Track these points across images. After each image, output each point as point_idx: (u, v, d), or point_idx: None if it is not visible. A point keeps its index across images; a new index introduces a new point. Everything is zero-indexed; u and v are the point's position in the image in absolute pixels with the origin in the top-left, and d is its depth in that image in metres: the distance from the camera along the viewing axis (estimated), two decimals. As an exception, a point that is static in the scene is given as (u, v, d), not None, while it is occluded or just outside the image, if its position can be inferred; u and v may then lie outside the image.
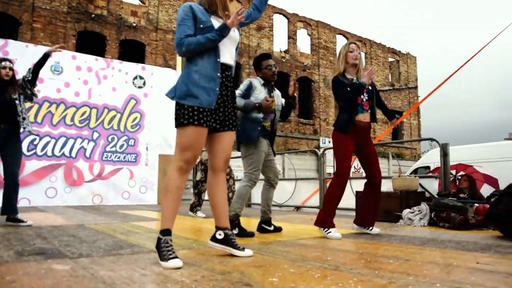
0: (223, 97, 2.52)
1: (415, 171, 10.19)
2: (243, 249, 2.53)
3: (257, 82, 3.91)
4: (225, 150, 2.59)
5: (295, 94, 4.14)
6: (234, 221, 3.66)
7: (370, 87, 3.82)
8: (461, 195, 5.11)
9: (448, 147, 5.22)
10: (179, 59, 10.79)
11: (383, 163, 19.24)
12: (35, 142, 7.84)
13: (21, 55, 7.67)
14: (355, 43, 3.90)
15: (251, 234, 3.64)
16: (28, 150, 7.70)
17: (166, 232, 2.34)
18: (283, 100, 4.14)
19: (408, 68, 29.11)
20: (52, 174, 8.04)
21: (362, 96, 3.75)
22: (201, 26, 2.46)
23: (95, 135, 8.65)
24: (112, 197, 8.72)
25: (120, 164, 8.94)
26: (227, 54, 2.59)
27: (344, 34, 26.00)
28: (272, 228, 4.00)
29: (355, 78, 3.78)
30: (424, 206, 4.72)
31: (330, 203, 3.69)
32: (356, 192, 5.62)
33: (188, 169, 2.45)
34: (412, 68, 29.50)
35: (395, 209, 5.00)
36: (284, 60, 23.18)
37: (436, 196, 5.01)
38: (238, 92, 3.77)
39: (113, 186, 8.76)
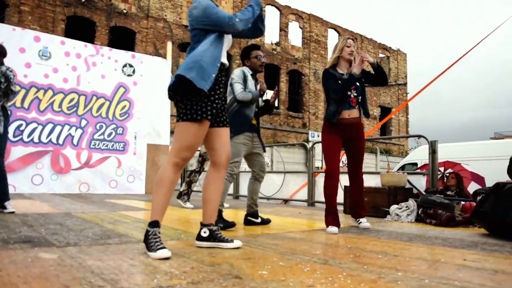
0: (221, 94, 2.52)
1: (402, 167, 10.29)
2: (231, 241, 2.53)
3: (247, 71, 3.87)
4: (226, 146, 2.59)
5: (274, 104, 4.13)
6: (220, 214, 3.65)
7: (358, 83, 3.77)
8: (448, 193, 5.16)
9: (436, 144, 5.27)
10: (169, 48, 10.67)
11: (370, 158, 19.41)
12: (21, 128, 7.71)
13: (8, 38, 7.49)
14: (352, 39, 3.89)
15: (232, 225, 3.59)
16: (14, 136, 7.57)
17: (154, 224, 2.31)
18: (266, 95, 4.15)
19: (398, 64, 29.24)
20: (39, 161, 7.92)
21: (349, 92, 3.73)
22: None
23: (83, 122, 8.54)
24: (100, 186, 8.64)
25: (108, 152, 8.84)
26: (225, 54, 2.62)
27: (336, 28, 25.99)
28: (259, 220, 3.99)
29: (345, 73, 3.76)
30: (411, 203, 4.77)
31: (327, 202, 3.77)
32: (345, 186, 5.64)
33: (184, 166, 2.45)
34: (402, 65, 29.65)
35: (382, 205, 5.03)
36: (275, 53, 23.10)
37: (424, 193, 5.06)
38: (239, 86, 3.73)
39: (100, 174, 8.67)
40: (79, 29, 16.61)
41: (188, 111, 2.34)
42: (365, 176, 7.18)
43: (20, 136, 7.70)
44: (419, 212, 4.62)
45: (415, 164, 9.83)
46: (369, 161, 18.86)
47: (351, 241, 3.07)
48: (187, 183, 6.02)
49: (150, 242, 2.22)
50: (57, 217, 3.89)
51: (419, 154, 9.90)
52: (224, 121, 2.59)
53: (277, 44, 23.67)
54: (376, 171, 11.45)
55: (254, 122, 3.90)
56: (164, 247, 2.18)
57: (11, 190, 7.25)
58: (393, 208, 4.87)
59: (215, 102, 2.45)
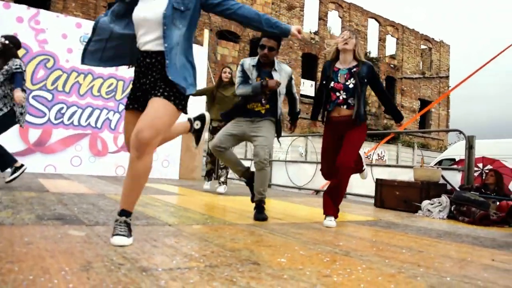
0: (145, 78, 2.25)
1: (439, 163, 10.00)
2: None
3: (247, 63, 3.69)
4: (143, 118, 2.14)
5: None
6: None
7: (352, 84, 3.40)
8: (484, 190, 4.98)
9: (474, 139, 5.08)
10: (206, 36, 10.75)
11: (407, 152, 18.95)
12: (62, 111, 8.01)
13: (52, 25, 7.77)
14: (352, 31, 3.56)
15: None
16: (55, 119, 7.87)
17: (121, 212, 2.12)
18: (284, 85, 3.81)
19: (440, 56, 28.25)
20: (78, 143, 8.21)
21: (337, 93, 3.43)
22: None
23: (121, 107, 8.76)
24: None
25: (144, 137, 9.04)
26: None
27: (376, 18, 25.34)
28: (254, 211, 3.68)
29: (342, 67, 3.48)
30: (444, 199, 4.63)
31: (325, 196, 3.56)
32: (376, 179, 5.56)
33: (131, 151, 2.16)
34: (445, 57, 28.62)
35: (414, 199, 4.92)
36: (313, 42, 22.83)
37: (458, 189, 4.90)
38: (237, 80, 3.67)
39: (135, 158, 8.89)
40: (120, 16, 16.93)
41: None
42: (399, 170, 7.05)
43: (61, 119, 8.00)
44: (452, 209, 4.49)
45: (453, 159, 9.52)
46: (405, 155, 18.43)
47: (377, 235, 3.03)
48: (210, 162, 6.32)
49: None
50: (91, 198, 4.03)
51: (457, 150, 9.58)
52: (155, 94, 2.16)
53: (316, 33, 23.36)
54: (411, 165, 11.20)
55: (258, 108, 3.68)
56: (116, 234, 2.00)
57: (51, 170, 7.65)
58: (425, 203, 4.75)
59: (136, 89, 2.27)
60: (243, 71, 3.67)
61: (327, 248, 2.30)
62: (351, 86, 3.41)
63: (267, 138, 3.65)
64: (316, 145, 15.61)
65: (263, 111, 3.70)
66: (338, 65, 3.52)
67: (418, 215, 4.65)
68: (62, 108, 8.01)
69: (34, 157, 7.55)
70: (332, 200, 3.43)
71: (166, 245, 2.06)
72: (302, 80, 22.91)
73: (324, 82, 3.51)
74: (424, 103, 26.87)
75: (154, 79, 2.19)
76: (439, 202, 4.66)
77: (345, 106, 3.44)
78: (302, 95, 22.85)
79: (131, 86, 2.34)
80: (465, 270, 1.97)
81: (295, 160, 11.41)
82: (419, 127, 26.30)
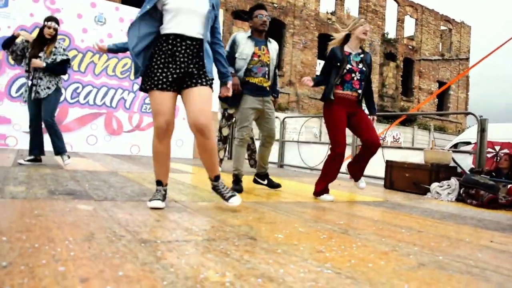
0: (165, 61, 2.55)
1: (455, 146, 9.89)
2: (228, 198, 2.62)
3: (241, 36, 3.82)
4: (194, 107, 2.55)
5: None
6: (233, 178, 3.83)
7: (364, 68, 3.67)
8: (495, 174, 4.94)
9: (486, 122, 5.02)
10: (221, 15, 10.72)
11: (423, 135, 18.75)
12: (78, 91, 8.15)
13: (67, 5, 7.87)
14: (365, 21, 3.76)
15: (239, 189, 3.71)
16: (71, 98, 8.03)
17: (158, 182, 2.64)
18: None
19: (461, 38, 27.57)
20: (93, 122, 8.38)
21: (353, 75, 3.63)
22: None
23: (135, 87, 8.86)
24: (149, 148, 9.01)
25: (158, 117, 9.16)
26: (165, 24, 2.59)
27: (395, -3, 24.79)
28: (265, 182, 4.11)
29: (353, 52, 3.67)
30: (453, 181, 4.63)
31: (324, 177, 3.77)
32: (387, 161, 5.56)
33: (164, 134, 2.58)
34: (465, 38, 27.93)
35: (424, 182, 4.92)
36: (330, 22, 22.49)
37: (468, 172, 4.88)
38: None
39: (150, 137, 9.00)
40: (136, -4, 16.96)
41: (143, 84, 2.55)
42: (407, 152, 7.02)
43: (77, 98, 8.15)
44: (461, 192, 4.48)
45: (469, 142, 9.41)
46: (421, 138, 18.24)
47: (380, 215, 3.07)
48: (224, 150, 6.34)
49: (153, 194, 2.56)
50: (103, 175, 4.15)
51: (473, 133, 9.45)
52: (193, 83, 2.53)
53: (333, 13, 23.00)
54: (422, 148, 11.08)
55: (266, 84, 3.83)
56: (158, 199, 2.50)
57: (68, 148, 7.81)
58: (434, 185, 4.76)
59: (159, 71, 2.50)
60: (232, 46, 3.78)
61: (326, 226, 2.36)
62: (364, 69, 3.69)
63: (274, 118, 3.91)
64: (330, 126, 15.56)
65: (268, 88, 3.88)
66: (347, 49, 3.69)
67: (426, 197, 4.66)
68: (77, 87, 8.16)
69: (51, 135, 7.72)
70: (360, 166, 3.94)
71: (168, 219, 2.14)
72: (318, 61, 22.68)
73: (338, 64, 3.62)
74: (443, 85, 26.40)
75: (194, 66, 2.52)
76: (448, 185, 4.65)
77: (357, 87, 3.66)
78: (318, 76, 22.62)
79: (156, 66, 2.49)
80: (460, 250, 2.00)
81: (307, 141, 11.41)
82: (437, 109, 25.92)
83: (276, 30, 20.88)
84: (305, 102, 21.12)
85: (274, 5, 20.76)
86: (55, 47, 4.64)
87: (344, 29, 3.74)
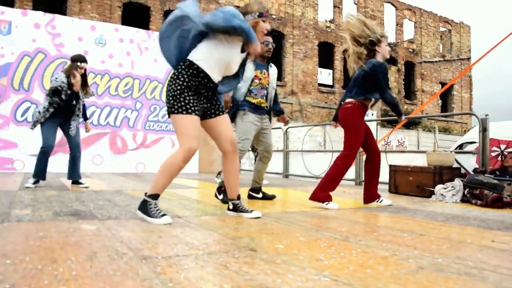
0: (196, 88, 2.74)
1: (460, 147, 9.86)
2: (251, 211, 2.93)
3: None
4: (225, 134, 2.87)
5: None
6: (221, 189, 3.85)
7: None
8: (499, 173, 4.93)
9: (488, 122, 5.03)
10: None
11: (428, 137, 18.68)
12: (82, 111, 8.25)
13: (67, 29, 8.02)
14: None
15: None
16: (75, 119, 8.13)
17: (155, 196, 2.61)
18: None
19: (461, 38, 27.61)
20: (98, 142, 8.47)
21: None
22: None
23: (138, 105, 8.97)
24: (155, 165, 9.07)
25: (162, 133, 9.25)
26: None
27: (392, 2, 24.93)
28: (260, 195, 4.20)
29: None
30: (457, 182, 4.62)
31: (334, 180, 3.76)
32: (390, 165, 5.57)
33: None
34: (466, 38, 27.95)
35: (428, 184, 4.92)
36: (329, 30, 22.64)
37: (471, 173, 4.88)
38: None
39: (155, 154, 9.11)
40: (135, 15, 17.22)
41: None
42: (413, 155, 7.01)
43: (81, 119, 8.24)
44: (465, 193, 4.48)
45: (474, 142, 9.38)
46: (426, 140, 18.18)
47: (384, 220, 3.08)
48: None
49: (152, 210, 2.56)
50: (108, 194, 4.20)
51: (477, 133, 9.41)
52: (215, 111, 2.82)
53: (331, 21, 23.16)
54: (424, 151, 11.06)
55: (264, 105, 4.05)
56: (165, 214, 2.57)
57: (73, 169, 7.91)
58: (438, 187, 4.75)
59: (194, 98, 2.66)
60: None
61: (327, 234, 2.38)
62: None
63: (271, 133, 4.17)
64: (335, 133, 15.58)
65: (266, 108, 4.09)
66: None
67: (431, 200, 4.66)
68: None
69: (57, 157, 7.81)
70: (375, 182, 4.06)
71: (171, 235, 2.17)
72: (320, 69, 22.78)
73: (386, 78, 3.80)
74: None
75: (216, 99, 2.83)
76: (452, 186, 4.65)
77: None
78: (319, 84, 22.74)
79: (191, 96, 2.63)
80: (460, 251, 2.01)
81: (312, 149, 11.43)
82: (441, 111, 25.85)
83: (275, 40, 21.02)
84: (308, 111, 21.17)
85: (273, 16, 20.94)
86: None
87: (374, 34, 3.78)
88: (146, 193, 2.63)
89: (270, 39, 3.97)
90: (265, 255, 1.80)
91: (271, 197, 4.24)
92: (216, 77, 2.74)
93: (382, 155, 6.12)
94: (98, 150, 8.43)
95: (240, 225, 2.57)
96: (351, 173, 7.57)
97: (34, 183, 4.75)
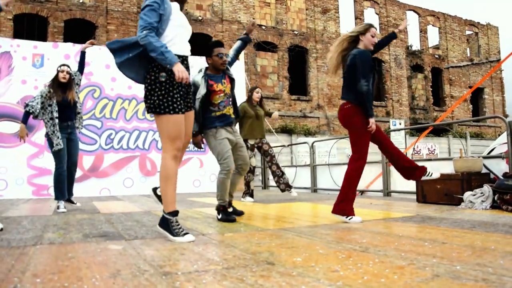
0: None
1: (492, 151, 9.58)
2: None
3: (198, 77, 3.82)
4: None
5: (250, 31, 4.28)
6: (220, 209, 3.84)
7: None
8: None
9: (515, 125, 4.91)
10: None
11: (460, 144, 18.21)
12: (111, 137, 8.54)
13: (96, 57, 8.36)
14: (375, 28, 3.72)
15: (233, 219, 3.73)
16: (106, 144, 8.41)
17: (175, 213, 2.68)
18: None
19: (488, 40, 26.99)
20: (128, 166, 8.70)
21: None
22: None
23: (165, 127, 9.19)
24: (184, 186, 9.21)
25: (190, 153, 9.42)
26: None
27: (414, 9, 24.71)
28: (230, 209, 4.06)
29: None
30: (486, 188, 4.52)
31: (350, 188, 3.60)
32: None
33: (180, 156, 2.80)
34: (494, 40, 27.30)
35: (456, 192, 4.83)
36: (351, 42, 22.60)
37: (501, 178, 4.75)
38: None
39: (184, 175, 9.25)
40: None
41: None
42: (442, 163, 6.88)
43: (111, 144, 8.53)
44: (495, 198, 4.37)
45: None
46: (457, 147, 17.73)
47: (406, 230, 3.05)
48: (246, 183, 6.35)
49: (174, 229, 2.60)
50: (137, 215, 4.33)
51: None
52: (192, 104, 2.93)
53: (353, 33, 23.13)
54: (450, 157, 10.78)
55: (230, 112, 3.90)
56: (187, 233, 2.63)
57: (106, 193, 8.16)
58: (467, 194, 4.65)
59: (176, 94, 2.70)
60: (194, 85, 3.75)
61: (348, 245, 2.39)
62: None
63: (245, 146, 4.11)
64: (363, 145, 15.40)
65: (232, 115, 3.96)
66: None
67: (460, 208, 4.56)
68: (111, 134, 8.54)
69: (90, 182, 8.10)
70: (405, 160, 3.81)
71: (193, 252, 2.24)
72: (344, 81, 22.68)
73: (372, 74, 3.57)
74: (476, 90, 25.73)
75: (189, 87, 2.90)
76: (482, 193, 4.55)
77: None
78: (345, 96, 22.57)
79: (175, 89, 2.66)
80: (482, 258, 1.99)
81: (339, 162, 11.34)
82: (472, 116, 25.20)
83: (299, 55, 21.17)
84: (335, 124, 21.06)
85: (295, 32, 21.13)
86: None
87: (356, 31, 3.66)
88: (164, 211, 2.69)
89: (224, 50, 3.82)
90: (282, 268, 1.84)
91: (240, 213, 4.14)
92: (186, 50, 2.83)
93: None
94: (128, 173, 8.66)
95: (263, 240, 2.62)
96: (378, 184, 7.50)
97: (65, 206, 4.93)
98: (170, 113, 2.62)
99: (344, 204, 3.57)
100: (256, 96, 6.26)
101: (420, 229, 3.07)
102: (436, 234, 2.79)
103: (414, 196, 5.87)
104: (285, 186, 6.43)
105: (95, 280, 1.63)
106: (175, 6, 2.80)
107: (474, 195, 4.59)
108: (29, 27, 15.93)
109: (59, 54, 8.19)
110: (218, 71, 3.87)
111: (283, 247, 2.37)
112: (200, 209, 5.04)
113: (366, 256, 2.09)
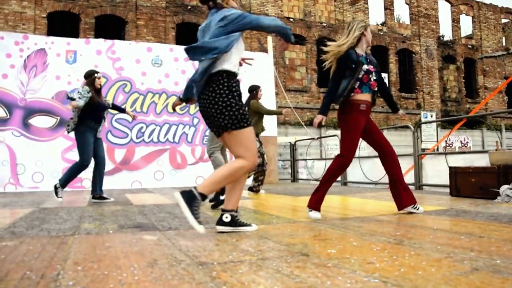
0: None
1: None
2: (250, 225, 2.74)
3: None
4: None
5: None
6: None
7: (377, 68, 3.58)
8: None
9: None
10: (270, 42, 11.01)
11: (495, 137, 17.66)
12: (142, 130, 8.70)
13: (126, 52, 8.52)
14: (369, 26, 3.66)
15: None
16: (136, 138, 8.58)
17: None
18: None
19: (526, 28, 25.96)
20: (159, 159, 8.85)
21: (370, 75, 3.48)
22: None
23: (195, 120, 9.29)
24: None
25: (219, 147, 9.49)
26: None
27: (447, -2, 24.01)
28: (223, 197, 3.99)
29: (362, 55, 3.53)
30: (525, 182, 4.38)
31: (323, 185, 3.50)
32: (450, 167, 5.37)
33: None
34: (532, 28, 26.24)
35: (492, 185, 4.69)
36: (381, 33, 22.19)
37: (541, 171, 4.59)
38: None
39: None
40: (189, 34, 17.87)
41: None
42: (475, 156, 6.69)
43: (142, 137, 8.69)
44: (534, 192, 4.23)
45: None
46: (491, 139, 17.19)
47: (441, 223, 2.99)
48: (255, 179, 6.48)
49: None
50: (168, 207, 4.40)
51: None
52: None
53: (383, 24, 22.70)
54: (486, 150, 10.45)
55: None
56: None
57: (137, 185, 8.33)
58: (504, 188, 4.52)
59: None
60: None
61: (382, 238, 2.36)
62: (377, 68, 3.59)
63: None
64: (394, 138, 15.18)
65: None
66: (358, 51, 3.55)
67: (496, 202, 4.43)
68: (142, 127, 8.70)
69: (122, 174, 8.28)
70: (403, 187, 3.58)
71: (227, 243, 2.27)
72: (373, 73, 22.31)
73: (353, 66, 3.44)
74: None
75: None
76: (519, 186, 4.40)
77: (370, 90, 3.52)
78: (374, 89, 22.22)
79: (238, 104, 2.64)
80: (523, 252, 1.94)
81: (369, 155, 11.20)
82: (507, 107, 24.36)
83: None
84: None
85: (323, 24, 20.90)
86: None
87: (355, 33, 3.53)
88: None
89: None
90: (316, 259, 1.84)
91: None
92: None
93: (442, 157, 5.97)
94: (159, 166, 8.80)
95: (296, 232, 2.62)
96: (410, 177, 7.36)
97: (102, 198, 5.08)
98: (250, 125, 2.62)
99: (313, 196, 3.49)
100: (260, 94, 6.45)
101: (455, 222, 3.00)
102: (473, 227, 2.72)
103: (447, 190, 5.75)
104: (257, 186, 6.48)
105: (133, 269, 1.67)
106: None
107: (511, 189, 4.45)
108: (62, 25, 16.36)
109: (91, 50, 8.38)
110: None
111: (316, 239, 2.36)
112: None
113: (401, 248, 2.06)
